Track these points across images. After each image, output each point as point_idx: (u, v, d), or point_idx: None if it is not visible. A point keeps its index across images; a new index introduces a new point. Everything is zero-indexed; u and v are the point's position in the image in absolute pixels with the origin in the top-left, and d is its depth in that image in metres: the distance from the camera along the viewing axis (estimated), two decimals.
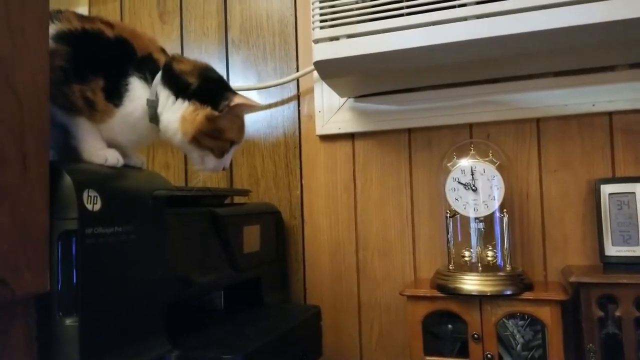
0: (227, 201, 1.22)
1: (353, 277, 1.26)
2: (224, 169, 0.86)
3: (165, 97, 0.79)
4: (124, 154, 0.81)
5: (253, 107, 0.84)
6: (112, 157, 0.77)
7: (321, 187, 1.30)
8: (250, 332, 0.89)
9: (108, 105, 0.77)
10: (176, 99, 0.79)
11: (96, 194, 0.68)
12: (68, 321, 0.64)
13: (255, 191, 1.34)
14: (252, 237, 1.09)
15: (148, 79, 0.80)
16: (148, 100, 0.79)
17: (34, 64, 0.62)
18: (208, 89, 0.80)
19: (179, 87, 0.79)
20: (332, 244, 1.28)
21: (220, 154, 0.83)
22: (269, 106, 1.34)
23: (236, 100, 0.80)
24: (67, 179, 0.65)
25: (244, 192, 1.23)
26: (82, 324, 0.64)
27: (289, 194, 1.32)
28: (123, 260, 0.71)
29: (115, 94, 0.78)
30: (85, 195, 0.66)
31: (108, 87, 0.77)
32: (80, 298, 0.65)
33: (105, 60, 0.77)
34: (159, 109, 0.79)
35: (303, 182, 1.31)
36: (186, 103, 0.79)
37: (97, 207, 0.68)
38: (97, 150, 0.77)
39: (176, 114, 0.79)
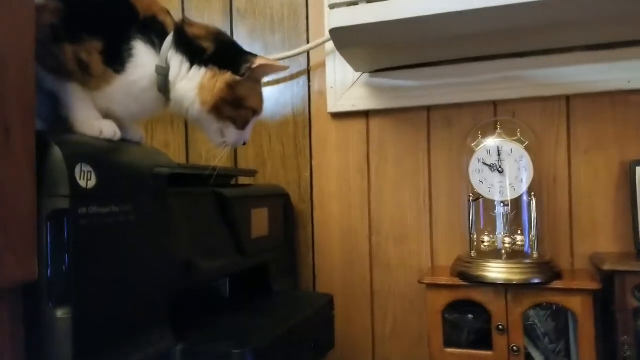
0: (235, 185, 1.15)
1: (366, 264, 1.19)
2: (244, 144, 0.79)
3: (178, 64, 0.72)
4: (120, 126, 0.73)
5: (277, 68, 0.77)
6: (109, 129, 0.69)
7: (332, 169, 1.22)
8: (260, 323, 0.82)
9: (107, 70, 0.69)
10: (191, 66, 0.72)
11: (90, 169, 0.60)
12: (60, 313, 0.57)
13: (261, 173, 1.26)
14: (260, 221, 1.02)
15: (155, 44, 0.72)
16: (158, 68, 0.71)
17: (17, 18, 0.54)
18: (226, 53, 0.73)
19: (194, 53, 0.72)
20: (344, 229, 1.20)
21: (242, 125, 0.76)
22: (277, 82, 1.26)
23: (258, 62, 0.73)
24: (57, 152, 0.57)
25: (251, 173, 1.15)
26: (76, 315, 0.57)
27: (298, 176, 1.24)
28: (121, 243, 0.64)
29: (117, 59, 0.70)
30: (77, 170, 0.58)
31: (107, 50, 0.69)
32: (74, 287, 0.57)
33: (102, 18, 0.69)
34: (171, 77, 0.72)
35: (313, 163, 1.23)
36: (203, 70, 0.72)
37: (92, 183, 0.60)
38: (91, 120, 0.69)
39: (193, 82, 0.72)
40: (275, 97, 1.26)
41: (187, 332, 0.74)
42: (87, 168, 0.60)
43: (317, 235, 1.22)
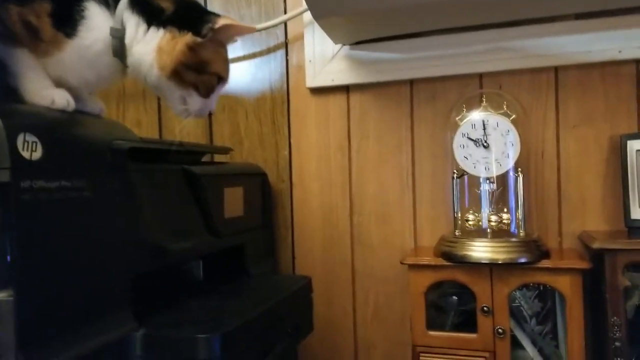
0: (207, 162, 1.09)
1: (347, 245, 1.14)
2: (210, 113, 0.73)
3: (134, 25, 0.66)
4: (77, 98, 0.67)
5: (243, 29, 0.71)
6: (61, 99, 0.63)
7: (312, 147, 1.16)
8: (231, 306, 0.78)
9: (57, 34, 0.63)
10: (148, 27, 0.66)
11: (35, 139, 0.54)
12: (1, 295, 0.51)
13: (238, 151, 1.20)
14: (234, 201, 0.97)
15: (110, 4, 0.66)
16: (112, 30, 0.65)
17: None
18: (186, 12, 0.67)
19: (151, 13, 0.66)
20: (324, 209, 1.15)
21: (206, 92, 0.70)
22: (253, 55, 1.20)
23: (222, 22, 0.67)
24: None
25: (225, 150, 1.10)
26: (20, 298, 0.51)
27: (276, 155, 1.19)
28: (73, 221, 0.58)
29: (67, 21, 0.63)
30: (20, 139, 0.53)
31: (56, 11, 0.63)
32: (17, 267, 0.52)
33: None
34: (127, 40, 0.66)
35: (292, 141, 1.18)
36: (161, 31, 0.66)
37: (37, 155, 0.54)
38: (42, 89, 0.63)
39: (150, 44, 0.66)
40: (252, 71, 1.20)
41: (152, 317, 0.69)
42: (31, 138, 0.54)
43: (297, 216, 1.17)
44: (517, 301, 0.96)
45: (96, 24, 0.65)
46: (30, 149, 0.54)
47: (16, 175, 0.52)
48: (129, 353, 0.63)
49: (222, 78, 0.71)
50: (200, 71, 0.68)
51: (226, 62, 0.72)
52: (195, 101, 0.69)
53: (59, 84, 0.66)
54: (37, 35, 0.62)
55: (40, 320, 0.54)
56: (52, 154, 0.56)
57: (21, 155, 0.53)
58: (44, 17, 0.62)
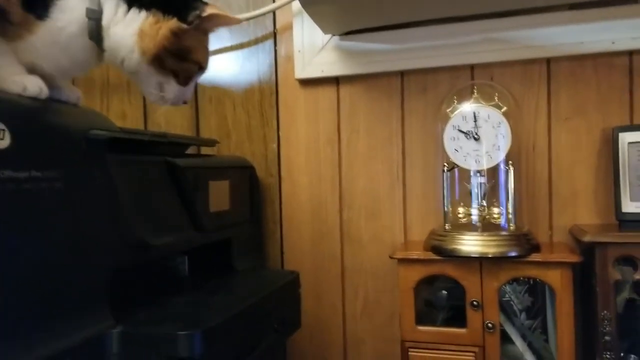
0: (191, 154, 1.07)
1: (336, 240, 1.12)
2: (184, 103, 0.71)
3: (112, 6, 0.63)
4: (52, 86, 0.64)
5: (229, 20, 0.68)
6: (33, 85, 0.61)
7: (301, 140, 1.14)
8: (215, 302, 0.76)
9: (27, 16, 0.60)
10: (129, 9, 0.63)
11: (3, 126, 0.52)
12: None
13: (225, 144, 1.18)
14: (220, 194, 0.94)
15: None
16: (88, 11, 0.62)
17: None
18: None
19: None
20: (313, 204, 1.13)
21: (184, 80, 0.67)
22: (241, 46, 1.17)
23: (210, 10, 0.64)
24: None
25: (211, 143, 1.07)
26: None
27: (265, 148, 1.17)
28: (45, 213, 0.56)
29: (38, 2, 0.60)
30: None
31: None
32: None
33: None
34: (104, 22, 0.63)
35: (280, 134, 1.16)
36: (144, 13, 0.63)
37: (4, 143, 0.52)
38: (12, 75, 0.60)
39: (131, 27, 0.63)
40: (240, 62, 1.17)
41: (132, 313, 0.67)
42: None
43: (285, 210, 1.15)
44: (507, 296, 0.95)
45: (70, 5, 0.61)
46: None
47: None
48: (106, 351, 0.61)
49: (202, 67, 0.69)
50: (182, 58, 0.65)
51: (207, 50, 0.70)
52: (172, 88, 0.67)
53: (31, 70, 0.63)
54: (6, 17, 0.59)
55: (9, 317, 0.51)
56: (21, 143, 0.53)
57: None
58: None
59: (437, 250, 0.90)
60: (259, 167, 1.15)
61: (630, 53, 0.95)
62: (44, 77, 0.63)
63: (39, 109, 0.60)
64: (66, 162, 0.60)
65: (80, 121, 0.65)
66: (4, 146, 0.51)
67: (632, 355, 0.85)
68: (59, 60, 0.64)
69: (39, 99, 0.61)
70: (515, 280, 0.92)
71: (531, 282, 0.94)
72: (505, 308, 0.93)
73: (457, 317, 0.93)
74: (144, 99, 1.22)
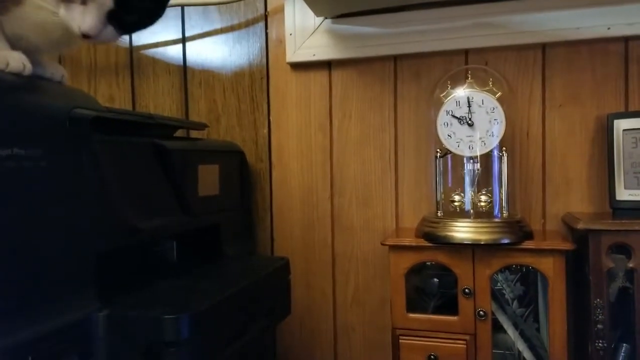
0: (180, 137, 1.05)
1: (327, 227, 1.11)
2: (88, 36, 0.59)
3: None
4: (35, 62, 0.62)
5: None
6: (16, 62, 0.58)
7: (292, 125, 1.12)
8: (203, 287, 0.74)
9: None
10: None
11: None
12: None
13: (215, 129, 1.16)
14: (209, 179, 0.92)
15: None
16: None
17: None
18: None
19: None
20: (304, 190, 1.12)
21: None
22: (231, 28, 1.15)
23: None
24: None
25: (200, 126, 1.05)
26: None
27: (255, 133, 1.15)
28: (27, 193, 0.54)
29: None
30: None
31: None
32: None
33: None
34: None
35: (271, 119, 1.14)
36: None
37: None
38: None
39: None
40: (230, 45, 1.15)
41: (118, 297, 0.65)
42: None
43: (276, 197, 1.14)
44: (499, 284, 0.94)
45: None
46: None
47: None
48: (91, 335, 0.59)
49: None
50: None
51: None
52: (77, 14, 0.58)
53: (18, 45, 0.61)
54: None
55: None
56: (2, 120, 0.51)
57: None
58: None
59: (429, 237, 0.89)
60: (249, 152, 1.13)
61: (626, 39, 0.94)
62: (28, 53, 0.61)
63: (22, 86, 0.58)
64: (50, 141, 0.57)
65: (64, 99, 0.63)
66: None
67: (624, 344, 0.85)
68: (41, 34, 0.61)
69: (22, 75, 0.59)
70: (507, 268, 0.91)
71: (523, 270, 0.93)
72: (497, 297, 0.93)
73: (448, 305, 0.92)
74: (132, 81, 1.20)
